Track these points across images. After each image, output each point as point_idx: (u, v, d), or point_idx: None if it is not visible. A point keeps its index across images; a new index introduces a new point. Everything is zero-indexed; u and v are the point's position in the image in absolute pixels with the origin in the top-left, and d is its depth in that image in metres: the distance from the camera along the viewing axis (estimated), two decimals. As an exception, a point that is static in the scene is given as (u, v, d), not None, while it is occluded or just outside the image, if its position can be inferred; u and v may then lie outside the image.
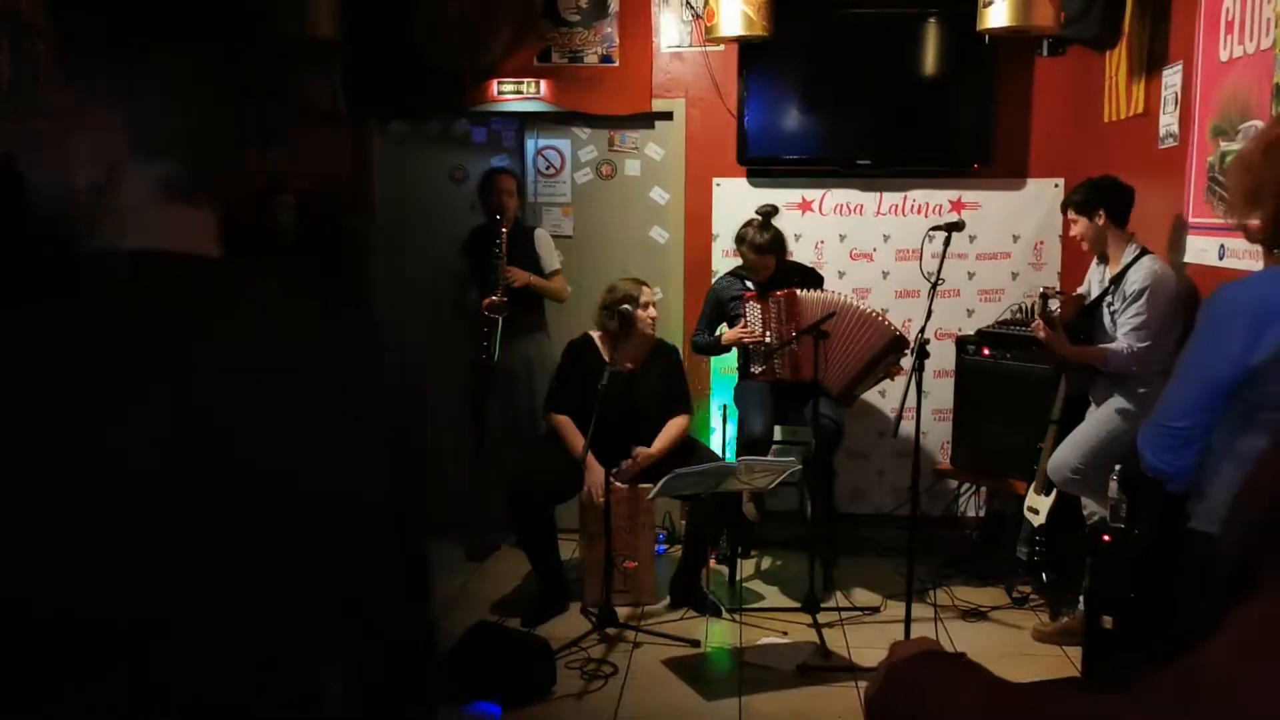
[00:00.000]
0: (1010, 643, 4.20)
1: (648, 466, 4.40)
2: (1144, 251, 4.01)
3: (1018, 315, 4.85)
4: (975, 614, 4.45)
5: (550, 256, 5.16)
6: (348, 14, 5.04)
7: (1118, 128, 4.69)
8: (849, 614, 4.47)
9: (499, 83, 5.32)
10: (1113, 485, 3.64)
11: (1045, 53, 5.00)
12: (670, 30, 5.35)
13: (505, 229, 4.94)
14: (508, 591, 4.73)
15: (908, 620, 4.01)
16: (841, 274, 5.23)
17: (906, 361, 4.37)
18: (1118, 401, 4.01)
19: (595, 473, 4.31)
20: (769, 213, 4.71)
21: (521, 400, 5.01)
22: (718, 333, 4.84)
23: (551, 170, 5.45)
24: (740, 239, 4.72)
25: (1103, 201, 4.08)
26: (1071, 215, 4.19)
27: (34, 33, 3.68)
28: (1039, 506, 4.34)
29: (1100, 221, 4.07)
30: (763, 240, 4.64)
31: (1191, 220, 3.94)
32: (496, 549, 5.16)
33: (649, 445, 4.47)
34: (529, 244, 5.10)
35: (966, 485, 5.20)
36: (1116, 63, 4.65)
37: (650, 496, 4.11)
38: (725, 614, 4.47)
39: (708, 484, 4.09)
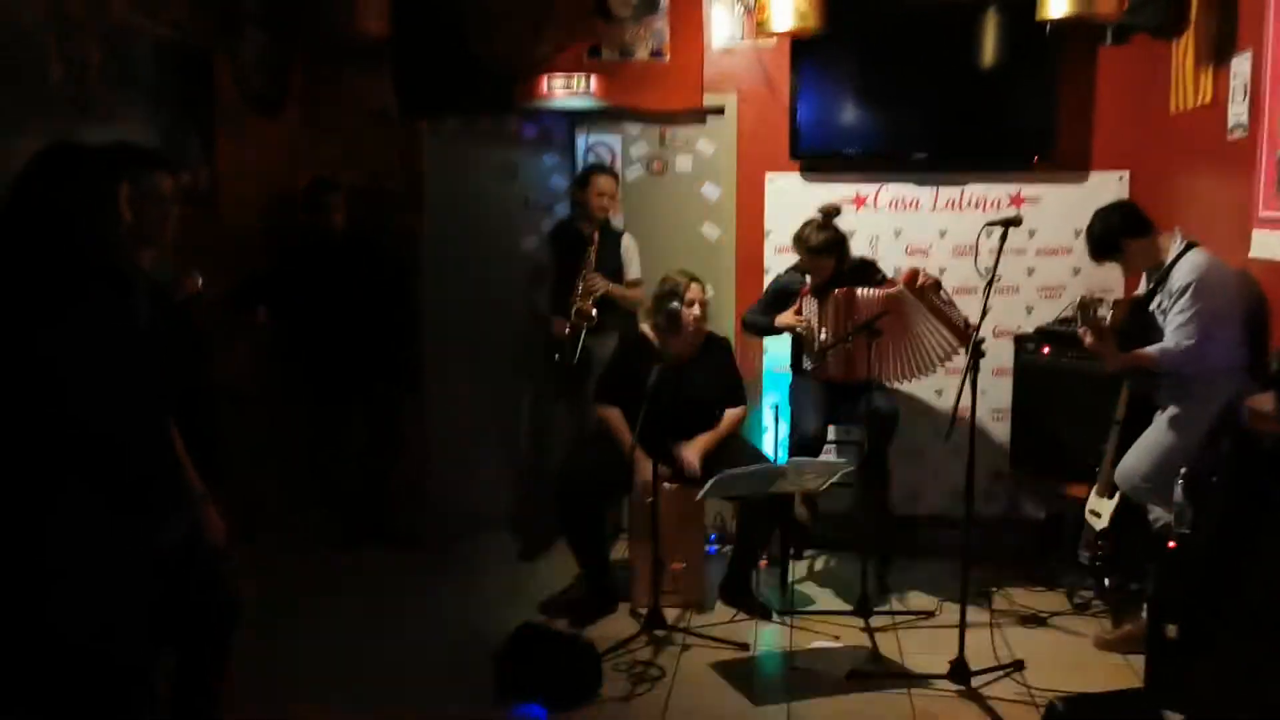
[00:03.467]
0: (1071, 650, 4.08)
1: (703, 459, 4.33)
2: (1190, 245, 3.87)
3: (1076, 306, 4.69)
4: (1035, 620, 4.33)
5: (634, 263, 5.13)
6: (398, 12, 5.05)
7: (1184, 118, 4.53)
8: (903, 618, 4.37)
9: (549, 79, 5.28)
10: (1178, 490, 3.50)
11: (1109, 41, 4.84)
12: (721, 25, 5.27)
13: (595, 233, 4.94)
14: (557, 591, 4.69)
15: (962, 625, 3.90)
16: (897, 270, 5.10)
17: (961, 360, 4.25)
18: (1182, 404, 3.87)
19: (645, 469, 4.26)
20: (830, 212, 4.61)
21: (587, 399, 4.98)
22: (772, 318, 4.77)
23: (612, 167, 5.40)
24: (796, 239, 4.63)
25: (1114, 236, 3.96)
26: (1111, 266, 4.07)
27: (82, 31, 3.72)
28: (1101, 510, 4.21)
29: (1131, 248, 3.94)
30: (817, 241, 4.55)
31: (1261, 214, 3.78)
32: (548, 547, 5.12)
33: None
34: (615, 248, 5.07)
35: (1025, 486, 5.06)
36: (1183, 51, 4.49)
37: (698, 498, 4.04)
38: (776, 617, 4.40)
39: (757, 485, 4.01)
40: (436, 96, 5.32)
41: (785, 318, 4.68)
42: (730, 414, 4.49)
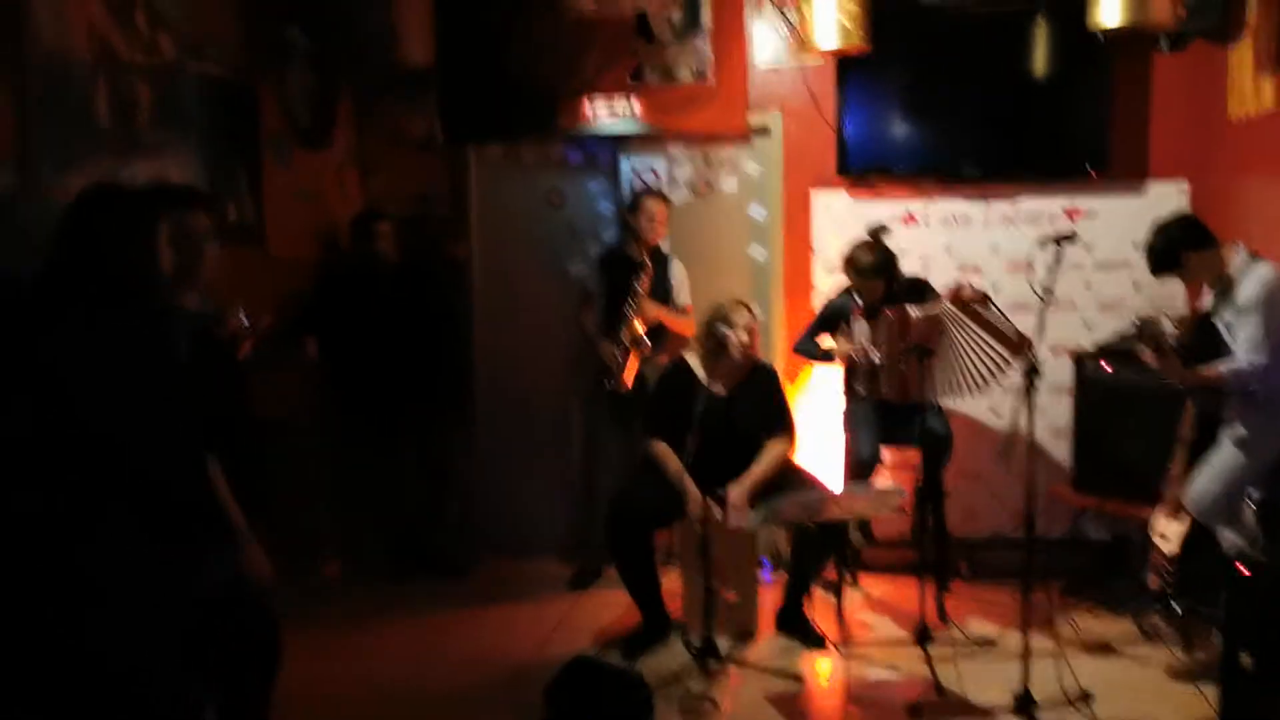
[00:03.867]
0: (1142, 680, 3.93)
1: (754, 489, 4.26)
2: (1255, 258, 3.73)
3: (1137, 324, 4.56)
4: (1102, 648, 4.18)
5: (683, 290, 5.08)
6: (441, 39, 5.06)
7: (1245, 125, 4.40)
8: (963, 647, 4.24)
9: (592, 103, 5.26)
10: (1248, 513, 3.37)
11: (1165, 48, 4.72)
12: (765, 44, 5.22)
13: (647, 259, 4.89)
14: (609, 621, 4.63)
15: (1026, 655, 3.77)
16: (948, 289, 5.00)
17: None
18: (1251, 423, 3.73)
19: (694, 498, 4.19)
20: (878, 232, 4.54)
21: (636, 424, 4.92)
22: (825, 344, 4.70)
23: (665, 192, 5.34)
24: (846, 261, 4.56)
25: (1175, 249, 3.82)
26: (1172, 280, 3.95)
27: (130, 72, 3.76)
28: (1169, 532, 4.06)
29: (1192, 262, 3.81)
30: (867, 262, 4.47)
31: (1330, 224, 3.65)
32: (599, 577, 5.07)
33: (748, 467, 4.32)
34: (664, 274, 5.03)
35: (1088, 507, 4.91)
36: (1241, 56, 4.37)
37: (748, 528, 3.97)
38: (831, 646, 4.30)
39: (808, 513, 3.93)
40: (481, 123, 5.33)
41: (839, 345, 4.60)
42: (774, 447, 4.36)
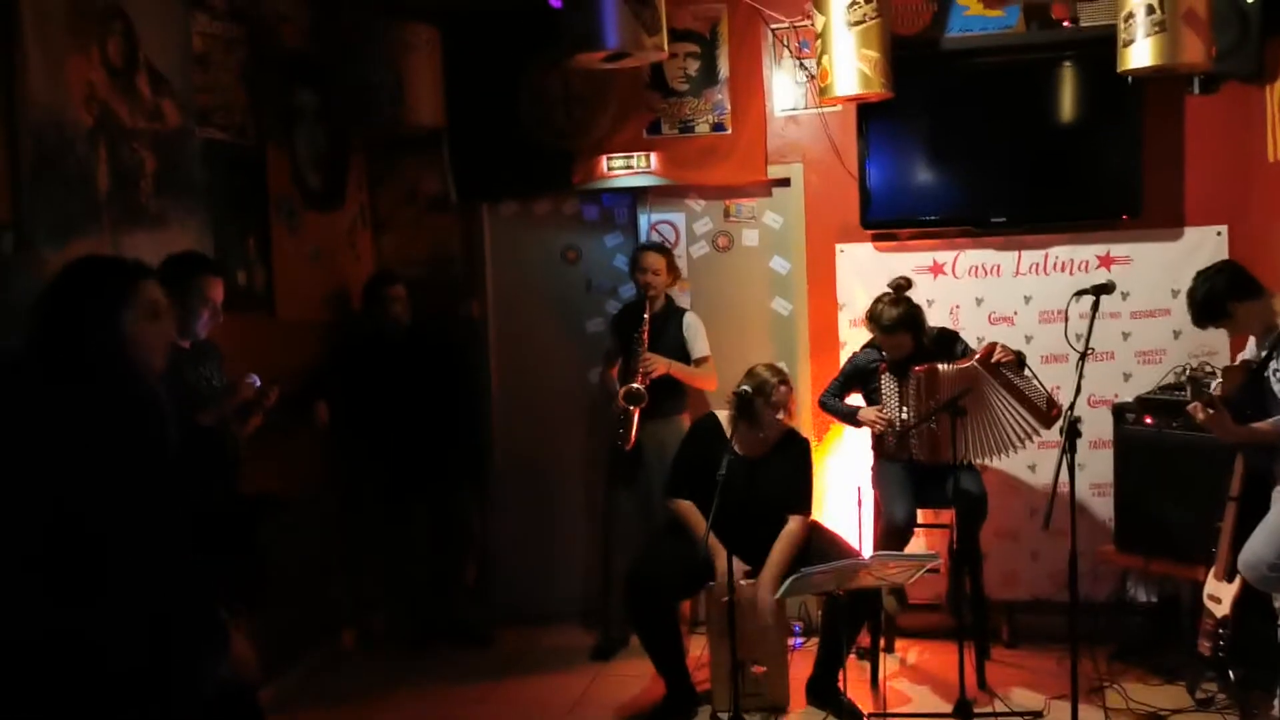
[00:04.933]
0: (1196, 753, 3.72)
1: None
2: None
3: (1183, 379, 4.38)
4: (1155, 719, 3.96)
5: (699, 342, 4.92)
6: (452, 97, 5.00)
7: (1286, 167, 4.24)
8: (1007, 719, 4.03)
9: (608, 158, 5.16)
10: (1309, 577, 3.18)
11: (1196, 90, 4.57)
12: (784, 93, 5.11)
13: (646, 313, 4.78)
14: (633, 695, 4.45)
15: (1074, 728, 3.58)
16: (980, 340, 4.81)
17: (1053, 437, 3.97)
18: (1306, 481, 3.54)
19: (720, 559, 4.01)
20: (901, 286, 4.40)
21: (654, 487, 4.75)
22: (853, 407, 4.55)
23: (667, 245, 5.23)
24: (869, 317, 4.41)
25: (1221, 300, 3.67)
26: (1214, 330, 3.79)
27: (132, 138, 3.69)
28: (1221, 595, 3.86)
29: (1239, 312, 3.64)
30: (890, 318, 4.32)
31: (1381, 268, 3.47)
32: (623, 646, 4.89)
33: (770, 536, 4.15)
34: (677, 327, 4.89)
35: (1134, 568, 4.69)
36: (1278, 97, 4.21)
37: (775, 598, 3.79)
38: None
39: (838, 581, 3.76)
40: (494, 180, 5.27)
41: (866, 414, 4.46)
42: (790, 528, 4.17)
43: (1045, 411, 4.27)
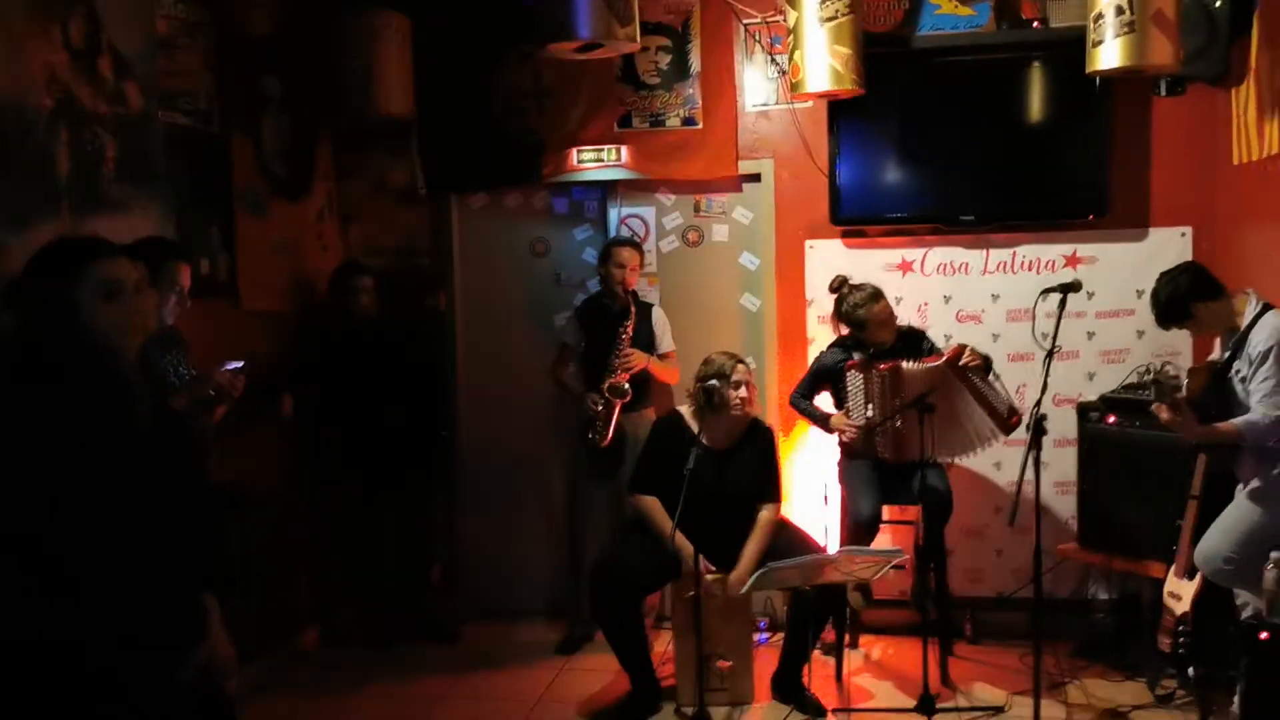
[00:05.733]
0: (1156, 749, 3.76)
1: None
2: (1266, 307, 3.60)
3: (1146, 379, 4.42)
4: (1115, 715, 4.00)
5: (666, 337, 4.94)
6: (421, 87, 4.95)
7: (1250, 170, 4.27)
8: (970, 714, 4.05)
9: (579, 151, 5.13)
10: (1270, 575, 3.20)
11: (1163, 92, 4.61)
12: (755, 89, 5.10)
13: (632, 307, 4.76)
14: (598, 689, 4.44)
15: (1037, 722, 3.61)
16: (948, 337, 4.85)
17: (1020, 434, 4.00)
18: (1266, 478, 3.57)
19: (686, 553, 4.00)
20: (843, 281, 4.49)
21: (622, 480, 4.74)
22: (825, 412, 4.57)
23: (637, 240, 5.21)
24: (846, 318, 4.46)
25: (1183, 300, 3.70)
26: (1177, 330, 3.85)
27: (94, 123, 3.62)
28: (1181, 592, 3.90)
29: (1201, 312, 3.67)
30: (863, 294, 4.38)
31: (1343, 271, 3.51)
32: (588, 641, 4.87)
33: (738, 529, 4.14)
34: (647, 322, 4.89)
35: (1096, 565, 4.73)
36: (1244, 100, 4.25)
37: (741, 592, 3.79)
38: (830, 715, 4.10)
39: (804, 577, 3.76)
40: (463, 172, 5.22)
41: (838, 421, 4.48)
42: (764, 517, 4.19)
43: (1006, 418, 4.29)
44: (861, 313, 4.41)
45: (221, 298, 4.40)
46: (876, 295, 4.43)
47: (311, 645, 4.99)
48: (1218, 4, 4.15)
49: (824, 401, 4.63)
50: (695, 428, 4.15)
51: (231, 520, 3.40)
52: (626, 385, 4.70)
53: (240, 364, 3.50)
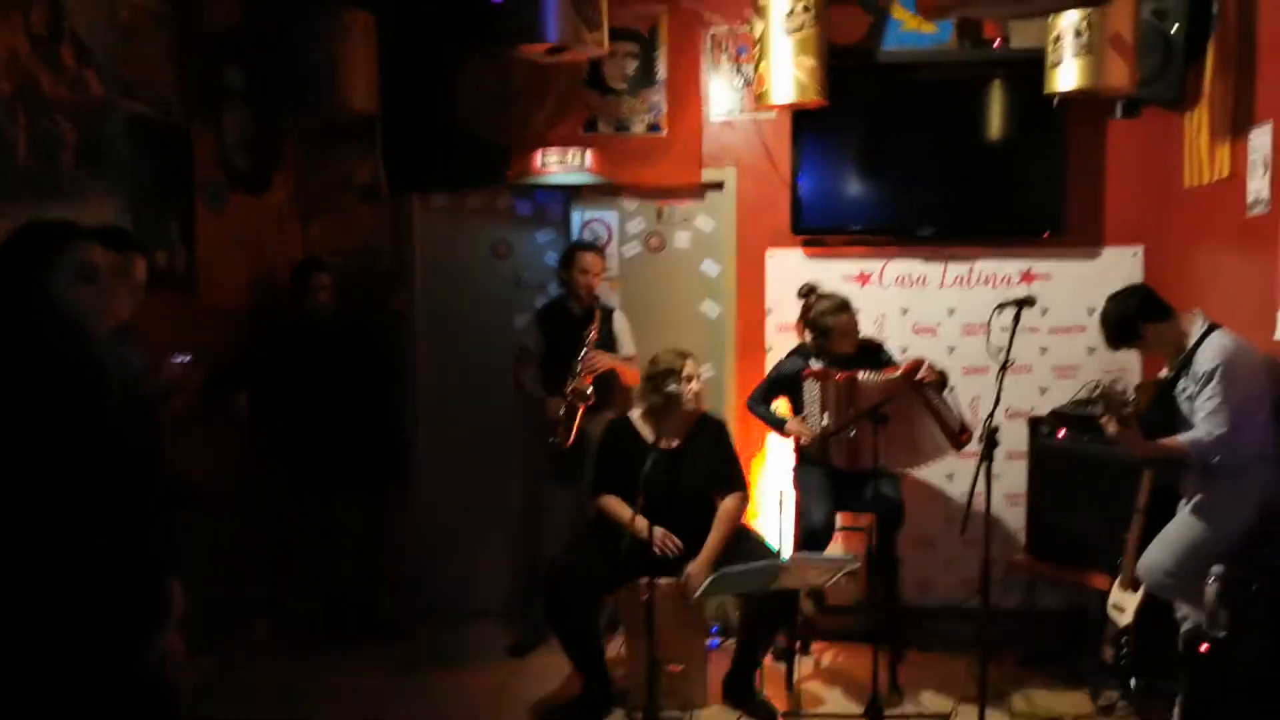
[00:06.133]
0: (1096, 758, 3.82)
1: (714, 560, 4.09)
2: (1212, 327, 3.68)
3: (1095, 394, 4.49)
4: (1057, 724, 4.07)
5: (627, 341, 4.96)
6: (386, 85, 4.93)
7: (1200, 193, 4.37)
8: (917, 721, 4.10)
9: (543, 154, 5.14)
10: (1210, 589, 3.27)
11: (1119, 114, 4.70)
12: (720, 97, 5.14)
13: (596, 311, 4.77)
14: (548, 692, 4.44)
15: (981, 731, 3.66)
16: (904, 349, 4.91)
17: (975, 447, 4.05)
18: (1209, 494, 3.65)
19: (656, 536, 4.00)
20: (811, 289, 4.54)
21: (583, 481, 4.74)
22: (779, 414, 4.60)
23: (599, 244, 5.22)
24: (813, 326, 4.49)
25: (1132, 321, 3.78)
26: (1127, 351, 3.93)
27: (53, 109, 3.58)
28: (1125, 604, 3.97)
29: (1150, 333, 3.76)
30: (831, 303, 4.44)
31: (1288, 294, 3.59)
32: (542, 643, 4.87)
33: (700, 526, 4.16)
34: (608, 326, 4.90)
35: (1043, 576, 4.80)
36: (1197, 124, 4.34)
37: (695, 597, 3.81)
38: (781, 719, 4.13)
39: (758, 583, 3.78)
40: (426, 171, 5.20)
41: (793, 426, 4.52)
42: (727, 506, 4.23)
43: (956, 434, 4.35)
44: (829, 320, 4.45)
45: (179, 291, 4.35)
46: (844, 306, 4.48)
47: (261, 640, 4.94)
48: (1174, 29, 4.24)
49: (782, 408, 4.67)
50: (646, 430, 4.18)
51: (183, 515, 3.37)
52: (589, 388, 4.71)
53: (188, 356, 3.47)
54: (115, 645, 2.24)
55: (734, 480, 4.32)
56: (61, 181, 3.62)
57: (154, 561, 2.35)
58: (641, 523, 3.91)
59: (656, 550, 3.99)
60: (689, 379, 4.18)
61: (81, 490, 2.16)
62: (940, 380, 4.33)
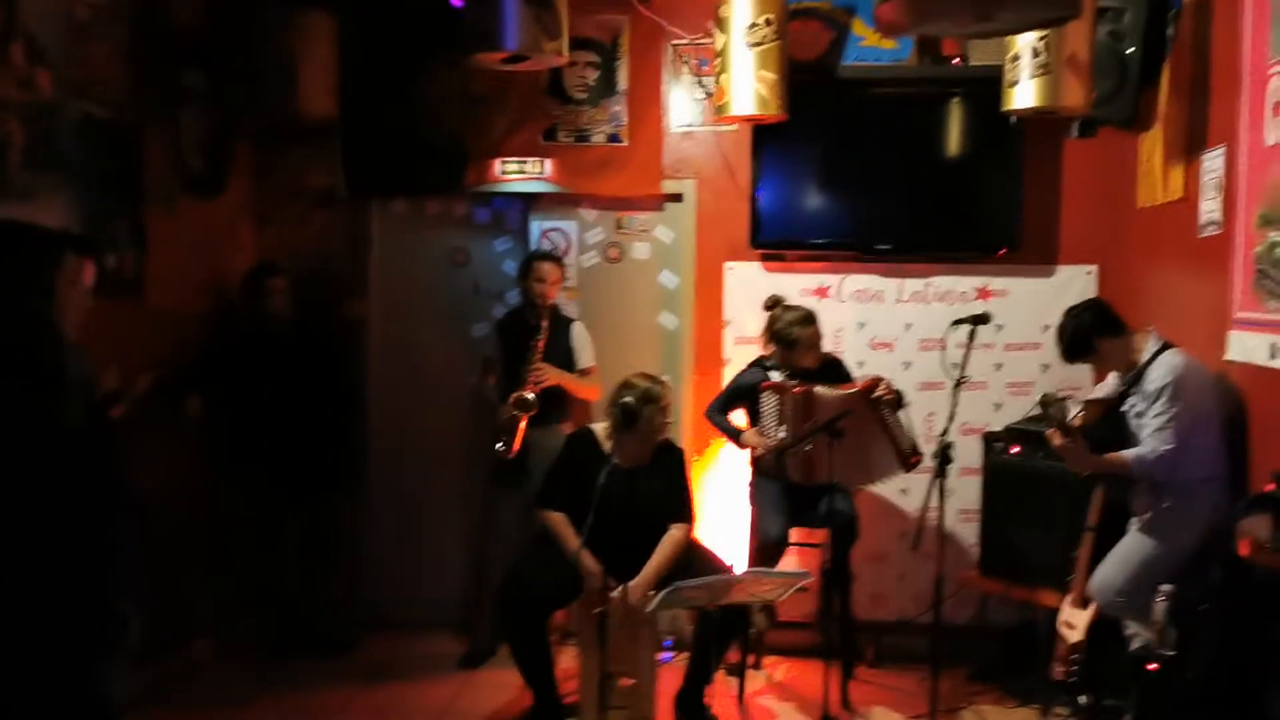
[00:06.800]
0: (1045, 775, 3.83)
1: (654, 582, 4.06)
2: (1165, 346, 3.71)
3: (1046, 409, 4.52)
4: (1007, 740, 4.08)
5: (585, 352, 4.91)
6: (345, 90, 4.89)
7: (1153, 213, 4.42)
8: (868, 737, 4.10)
9: (502, 162, 5.10)
10: (1159, 607, 3.29)
11: (1075, 134, 4.75)
12: (681, 109, 5.14)
13: (545, 321, 4.73)
14: (499, 705, 4.40)
15: (932, 748, 3.66)
16: (861, 364, 4.93)
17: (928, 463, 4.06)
18: (1158, 512, 3.68)
19: (593, 570, 3.99)
20: (777, 301, 4.55)
21: (527, 492, 4.69)
22: (737, 425, 4.59)
23: (557, 254, 5.19)
24: (777, 337, 4.49)
25: (1087, 335, 3.81)
26: (1081, 365, 3.96)
27: (3, 110, 3.51)
28: (1076, 621, 3.99)
29: (1104, 348, 3.79)
30: (797, 315, 4.47)
31: (1237, 315, 3.63)
32: (492, 655, 4.82)
33: (647, 548, 4.13)
34: (565, 337, 4.86)
35: (995, 593, 4.82)
36: (1151, 145, 4.39)
37: (648, 610, 3.79)
38: (732, 735, 4.12)
39: (711, 596, 3.76)
40: (384, 177, 5.15)
41: (749, 438, 4.51)
42: (673, 534, 4.17)
43: (907, 456, 4.37)
44: (795, 332, 4.45)
45: (128, 295, 4.27)
46: (810, 319, 4.50)
47: (204, 655, 4.85)
48: (1130, 51, 4.28)
49: (740, 419, 4.66)
50: (607, 444, 4.15)
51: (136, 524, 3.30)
52: (532, 398, 4.67)
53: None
54: (57, 663, 2.19)
55: (684, 511, 4.27)
56: (9, 181, 3.54)
57: (104, 577, 2.30)
58: (587, 557, 3.89)
59: (591, 590, 3.97)
60: (665, 409, 4.15)
61: (31, 498, 2.11)
62: (896, 399, 4.34)
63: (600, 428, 4.28)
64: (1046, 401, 3.78)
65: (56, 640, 2.14)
